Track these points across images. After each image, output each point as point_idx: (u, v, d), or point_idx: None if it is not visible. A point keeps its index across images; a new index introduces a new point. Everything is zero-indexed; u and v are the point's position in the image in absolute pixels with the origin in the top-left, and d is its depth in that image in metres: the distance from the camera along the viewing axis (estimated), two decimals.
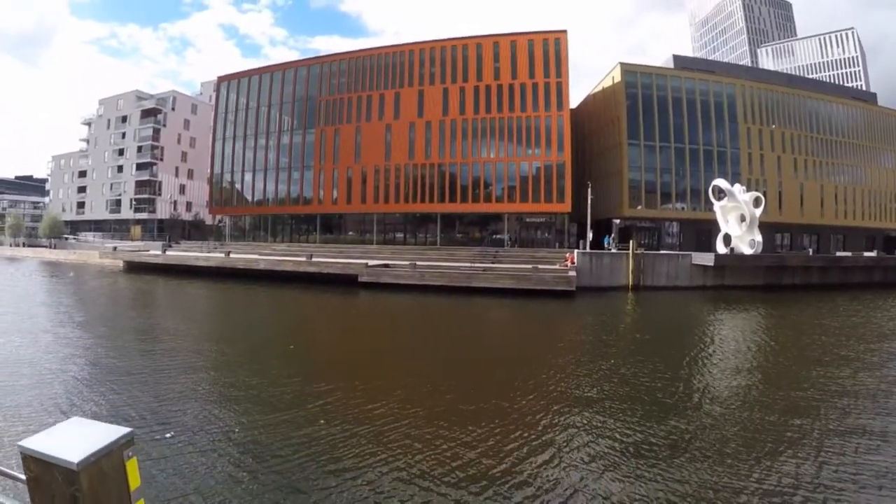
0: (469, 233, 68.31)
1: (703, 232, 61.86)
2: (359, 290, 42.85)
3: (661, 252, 54.64)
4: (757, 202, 53.72)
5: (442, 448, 11.04)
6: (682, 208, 70.31)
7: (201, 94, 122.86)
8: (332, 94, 72.71)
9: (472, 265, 48.12)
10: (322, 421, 12.37)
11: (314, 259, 50.93)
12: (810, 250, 75.39)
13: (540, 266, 46.57)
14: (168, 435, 11.23)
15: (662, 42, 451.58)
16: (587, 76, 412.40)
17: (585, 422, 12.85)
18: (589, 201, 58.12)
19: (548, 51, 65.59)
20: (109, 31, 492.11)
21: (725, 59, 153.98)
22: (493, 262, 50.97)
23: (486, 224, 67.89)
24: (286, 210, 74.95)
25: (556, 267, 47.21)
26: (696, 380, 17.32)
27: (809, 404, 14.58)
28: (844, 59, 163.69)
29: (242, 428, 11.90)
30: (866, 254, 70.75)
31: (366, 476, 9.61)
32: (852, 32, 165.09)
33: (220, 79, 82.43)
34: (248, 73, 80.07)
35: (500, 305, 36.58)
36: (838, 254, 71.71)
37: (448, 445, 11.17)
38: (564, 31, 65.81)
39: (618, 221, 61.88)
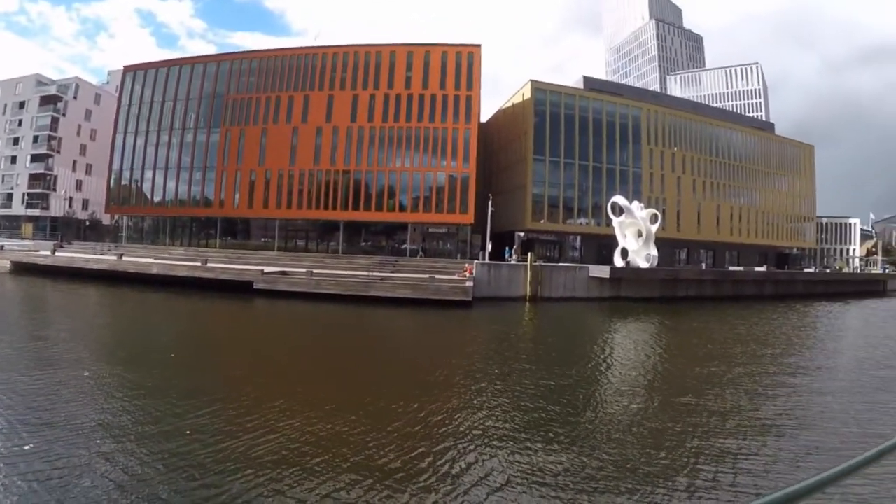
0: (375, 242, 67.83)
1: (604, 246, 63.26)
2: (254, 297, 41.66)
3: (560, 264, 56.21)
4: (653, 219, 55.90)
5: (314, 463, 10.66)
6: (586, 223, 72.54)
7: (108, 83, 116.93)
8: (240, 92, 70.51)
9: (370, 274, 47.79)
10: (188, 432, 11.84)
11: (209, 265, 49.09)
12: (703, 265, 79.23)
13: (438, 276, 46.57)
14: (27, 447, 10.61)
15: (581, 63, 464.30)
16: (510, 90, 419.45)
17: (474, 432, 12.94)
18: (489, 213, 58.83)
19: (461, 64, 66.05)
20: (18, 5, 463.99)
21: (637, 85, 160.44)
22: (392, 272, 50.69)
23: (392, 233, 67.50)
24: (186, 212, 71.87)
25: (455, 277, 47.47)
26: (586, 385, 18.14)
27: (693, 400, 16.54)
28: (748, 90, 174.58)
29: (105, 440, 11.31)
30: (757, 269, 75.00)
31: (229, 492, 9.25)
32: (757, 67, 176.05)
33: (127, 68, 78.31)
34: (156, 65, 76.57)
35: (396, 315, 36.60)
36: (731, 268, 75.46)
37: (321, 460, 10.84)
38: (478, 46, 66.56)
39: (522, 234, 62.99)
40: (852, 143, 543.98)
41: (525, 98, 72.35)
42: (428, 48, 66.84)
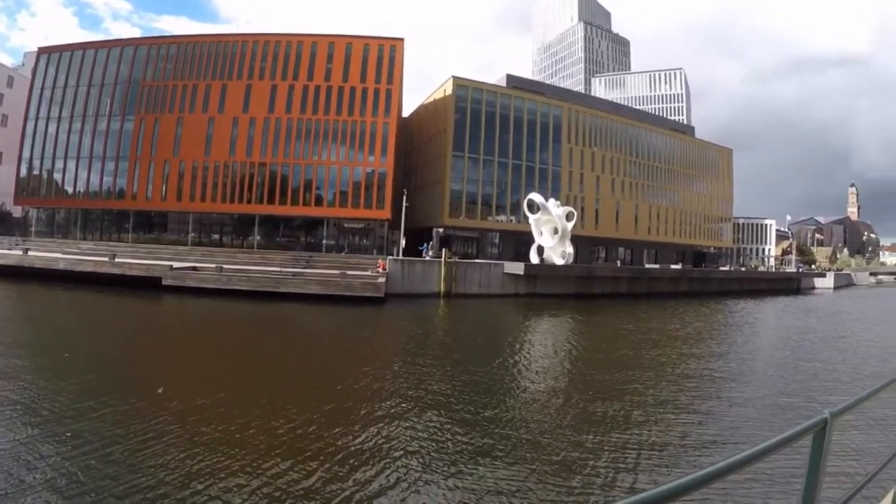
0: (293, 237, 66.98)
1: (523, 243, 63.47)
2: (162, 294, 40.23)
3: (475, 261, 56.59)
4: (569, 216, 57.08)
5: (198, 467, 10.16)
6: (505, 220, 73.67)
7: (23, 65, 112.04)
8: (156, 79, 67.84)
9: (283, 270, 46.95)
10: (69, 434, 11.24)
11: (117, 259, 47.61)
12: (619, 262, 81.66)
13: (350, 272, 46.34)
14: None
15: (511, 61, 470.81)
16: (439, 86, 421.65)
17: (383, 431, 12.85)
18: (403, 209, 59.02)
19: (382, 57, 65.91)
20: None
21: (562, 85, 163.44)
22: (305, 267, 50.19)
23: (309, 228, 66.73)
24: (99, 205, 68.71)
25: (368, 273, 47.10)
26: (494, 384, 18.02)
27: (602, 389, 17.60)
28: (671, 94, 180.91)
29: None
30: (673, 266, 76.88)
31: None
32: (681, 72, 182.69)
33: (41, 50, 74.04)
34: (72, 48, 72.48)
35: (305, 313, 36.23)
36: (647, 266, 77.31)
37: (205, 465, 10.28)
38: (401, 39, 66.76)
39: (441, 230, 63.14)
40: (773, 148, 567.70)
41: (447, 94, 72.46)
42: (350, 40, 66.40)
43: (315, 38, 66.53)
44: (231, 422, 12.74)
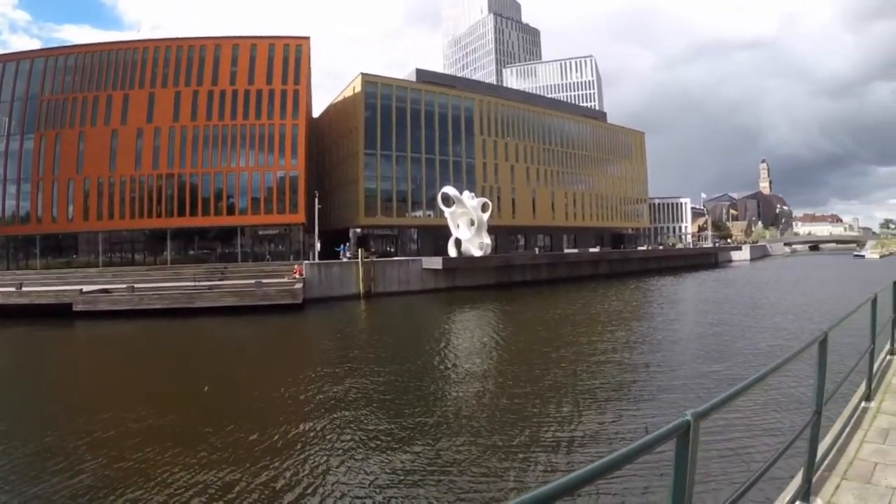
0: (208, 248, 64.93)
1: (442, 237, 62.27)
2: (74, 320, 37.80)
3: (393, 258, 57.69)
4: (484, 207, 57.97)
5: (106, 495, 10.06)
6: (422, 216, 74.22)
7: None
8: (55, 93, 64.22)
9: (197, 284, 45.78)
10: None
11: (25, 288, 44.78)
12: (537, 249, 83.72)
13: (266, 280, 45.51)
14: None
15: (423, 57, 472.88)
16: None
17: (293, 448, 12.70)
18: (316, 211, 58.55)
19: (288, 57, 65.20)
20: None
21: (474, 77, 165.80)
22: (220, 279, 49.46)
23: (226, 238, 64.68)
24: (2, 231, 64.20)
25: (284, 280, 46.57)
26: (417, 378, 18.67)
27: (521, 381, 18.04)
28: (582, 82, 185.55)
29: None
30: (591, 249, 79.22)
31: None
32: (591, 59, 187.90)
33: None
34: None
35: (222, 326, 35.58)
36: (567, 251, 79.05)
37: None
38: (307, 38, 66.24)
39: (358, 230, 63.29)
40: (687, 130, 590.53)
41: (356, 92, 72.33)
42: (254, 41, 65.34)
43: (218, 41, 65.01)
44: (147, 459, 12.04)
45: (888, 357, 8.63)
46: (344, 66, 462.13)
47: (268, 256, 63.18)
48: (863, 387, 6.46)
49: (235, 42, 65.21)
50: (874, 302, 5.30)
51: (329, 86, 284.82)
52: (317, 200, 59.36)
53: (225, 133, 63.26)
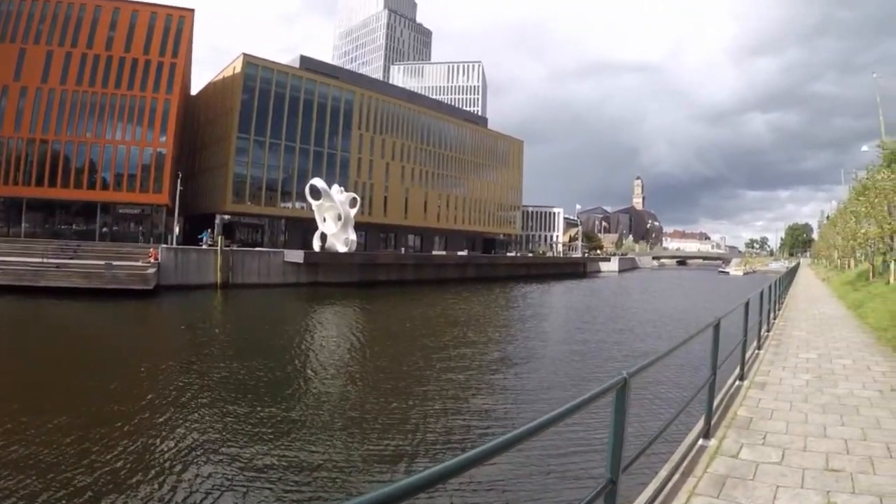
0: (70, 223, 61.52)
1: (311, 231, 61.48)
2: None
3: (255, 249, 56.98)
4: (353, 203, 59.10)
5: None
6: (295, 207, 74.13)
7: None
8: None
9: (45, 261, 43.02)
10: None
11: None
12: (403, 249, 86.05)
13: (118, 262, 43.55)
14: None
15: (316, 45, 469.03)
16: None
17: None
18: (178, 192, 57.90)
19: (170, 28, 64.02)
20: None
21: (362, 71, 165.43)
22: (72, 258, 46.38)
23: (88, 215, 61.83)
24: None
25: (138, 264, 44.79)
26: (262, 376, 18.15)
27: (378, 381, 18.27)
28: (468, 86, 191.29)
29: None
30: (459, 253, 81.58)
31: None
32: (479, 65, 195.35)
33: None
34: None
35: (65, 308, 34.08)
36: (434, 253, 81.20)
37: None
38: (191, 10, 65.81)
39: (226, 217, 62.81)
40: (568, 143, 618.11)
41: (236, 72, 71.86)
42: (136, 6, 63.21)
43: (99, 2, 61.80)
44: None
45: (755, 351, 11.73)
46: (233, 46, 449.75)
47: (140, 236, 60.90)
48: (737, 370, 9.06)
49: (117, 5, 62.41)
50: (716, 327, 6.33)
51: (213, 64, 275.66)
52: (179, 181, 58.72)
53: (94, 101, 60.83)
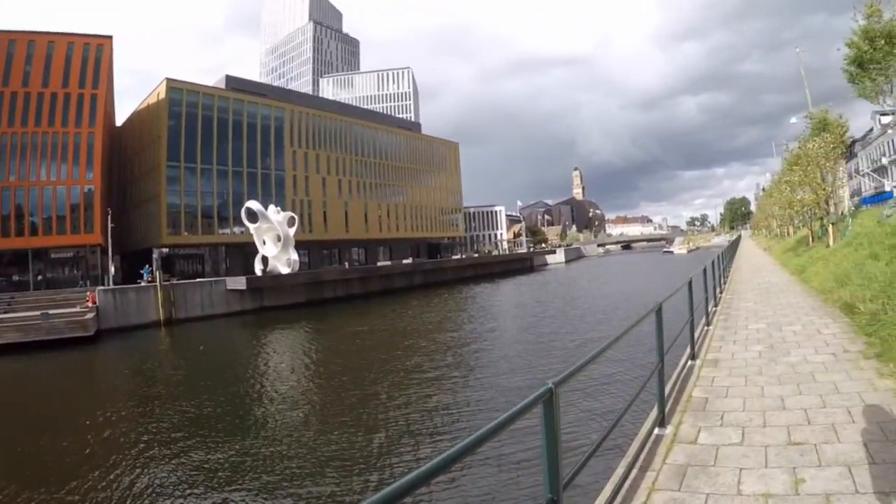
0: (3, 275, 58.29)
1: (252, 255, 60.23)
2: None
3: (195, 280, 55.68)
4: (290, 222, 58.47)
5: None
6: (234, 233, 72.72)
7: None
8: None
9: None
10: None
11: None
12: (347, 263, 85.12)
13: (55, 311, 41.53)
14: None
15: (242, 64, 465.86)
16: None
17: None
18: (109, 230, 56.42)
19: (88, 57, 62.07)
20: None
21: (291, 87, 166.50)
22: (5, 311, 44.26)
23: (20, 264, 58.50)
24: None
25: (76, 309, 43.09)
26: (239, 410, 18.29)
27: (333, 401, 18.32)
28: (399, 93, 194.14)
29: None
30: (405, 261, 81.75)
31: None
32: (408, 71, 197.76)
33: None
34: None
35: (1, 367, 32.49)
36: (380, 263, 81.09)
37: None
38: (109, 38, 64.16)
39: (165, 250, 60.85)
40: (504, 140, 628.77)
41: (160, 98, 70.46)
42: (52, 38, 61.15)
43: (12, 36, 59.75)
44: None
45: (705, 327, 11.89)
46: (158, 69, 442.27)
47: (84, 281, 57.29)
48: (688, 349, 8.99)
49: (32, 38, 60.45)
50: (658, 311, 6.16)
51: (139, 90, 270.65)
52: (110, 218, 57.14)
53: (15, 142, 58.32)
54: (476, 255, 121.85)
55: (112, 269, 55.12)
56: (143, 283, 50.50)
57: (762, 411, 6.18)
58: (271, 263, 56.80)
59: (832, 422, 5.61)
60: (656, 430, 5.85)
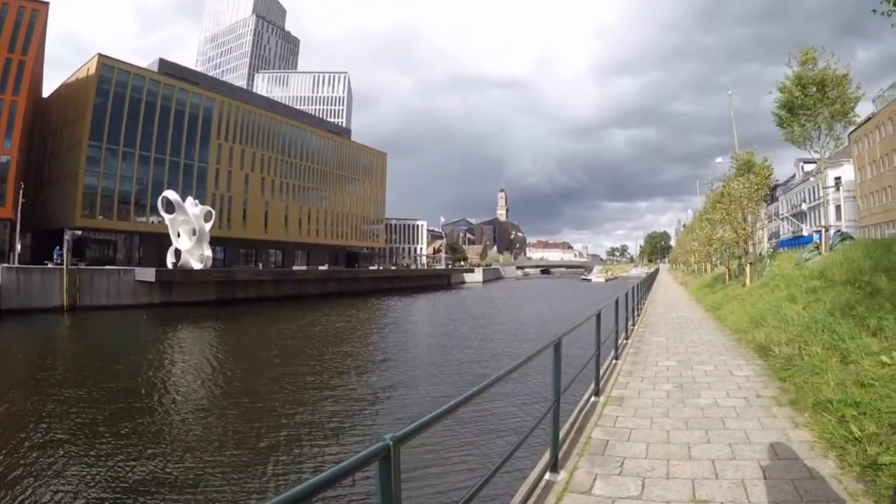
0: None
1: (167, 247, 58.83)
2: None
3: (105, 268, 54.10)
4: (207, 216, 57.45)
5: None
6: (151, 222, 71.44)
7: None
8: None
9: None
10: None
11: None
12: (260, 265, 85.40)
13: None
14: None
15: (186, 51, 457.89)
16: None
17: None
18: (20, 205, 55.46)
19: (21, 21, 60.58)
20: None
21: (226, 79, 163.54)
22: None
23: None
24: None
25: None
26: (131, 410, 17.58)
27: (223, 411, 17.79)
28: (333, 97, 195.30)
29: None
30: (321, 268, 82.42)
31: None
32: (345, 76, 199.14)
33: None
34: None
35: None
36: (295, 268, 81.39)
37: None
38: (45, 4, 62.72)
39: (78, 232, 59.21)
40: (436, 155, 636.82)
41: (90, 74, 69.03)
42: None
43: None
44: None
45: (613, 361, 11.86)
46: (94, 44, 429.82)
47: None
48: (592, 385, 8.70)
49: None
50: (557, 346, 5.69)
51: (72, 64, 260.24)
52: (22, 192, 56.20)
53: None
54: (394, 267, 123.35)
55: (19, 247, 53.84)
56: (50, 265, 49.67)
57: (666, 459, 5.92)
58: (184, 257, 56.44)
59: (742, 477, 5.34)
60: (547, 476, 5.54)
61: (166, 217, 56.08)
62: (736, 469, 5.50)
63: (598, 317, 8.86)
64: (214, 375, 23.37)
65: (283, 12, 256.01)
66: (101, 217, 68.06)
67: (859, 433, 5.74)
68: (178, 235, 56.63)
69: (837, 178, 71.37)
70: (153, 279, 50.72)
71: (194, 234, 55.94)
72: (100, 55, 69.54)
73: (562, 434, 6.28)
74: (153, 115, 73.82)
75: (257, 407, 17.81)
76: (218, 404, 18.43)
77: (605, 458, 6.02)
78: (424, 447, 12.10)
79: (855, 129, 57.49)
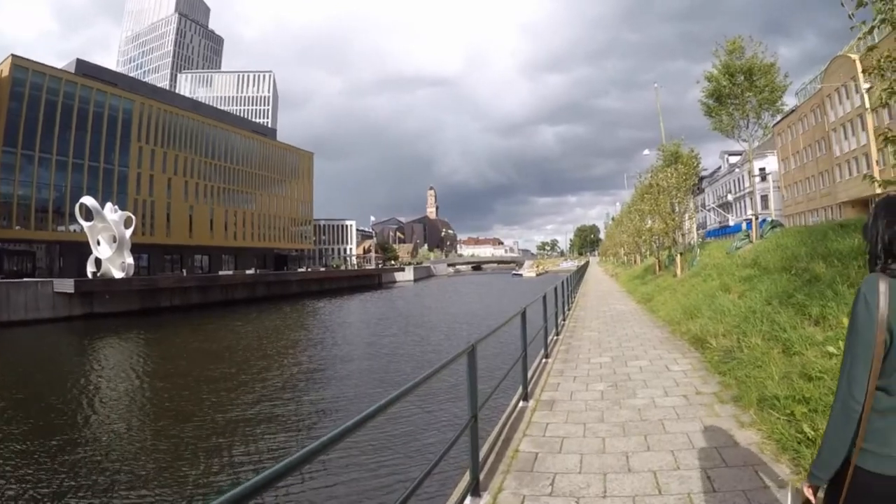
0: None
1: (89, 255, 56.94)
2: None
3: (22, 280, 52.26)
4: (128, 222, 56.18)
5: None
6: (70, 230, 69.05)
7: None
8: None
9: None
10: None
11: None
12: (185, 271, 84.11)
13: None
14: None
15: (110, 52, 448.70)
16: None
17: None
18: None
19: None
20: None
21: (147, 79, 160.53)
22: None
23: None
24: None
25: None
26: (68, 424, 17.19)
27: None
28: (258, 97, 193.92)
29: None
30: (247, 272, 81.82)
31: None
32: (269, 75, 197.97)
33: None
34: None
35: None
36: (222, 273, 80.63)
37: None
38: None
39: None
40: (366, 155, 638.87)
41: (3, 76, 67.39)
42: None
43: None
44: None
45: (543, 360, 11.57)
46: (11, 46, 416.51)
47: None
48: (520, 389, 8.35)
49: None
50: (471, 354, 4.99)
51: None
52: None
53: None
54: (323, 269, 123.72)
55: None
56: None
57: (602, 473, 5.41)
58: (105, 266, 55.21)
59: (688, 490, 4.87)
60: (468, 501, 4.95)
61: (85, 225, 54.58)
62: (681, 481, 5.06)
63: (524, 315, 8.49)
64: (132, 390, 22.62)
65: (206, 11, 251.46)
66: (17, 227, 66.46)
67: (812, 433, 5.43)
68: (98, 243, 55.19)
69: (762, 169, 75.74)
70: (72, 290, 48.82)
71: (115, 241, 54.55)
72: (13, 56, 67.86)
73: (486, 447, 6.10)
74: (70, 118, 72.44)
75: (180, 419, 17.35)
76: (136, 420, 17.84)
77: (535, 474, 5.50)
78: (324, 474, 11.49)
79: (778, 122, 60.85)
